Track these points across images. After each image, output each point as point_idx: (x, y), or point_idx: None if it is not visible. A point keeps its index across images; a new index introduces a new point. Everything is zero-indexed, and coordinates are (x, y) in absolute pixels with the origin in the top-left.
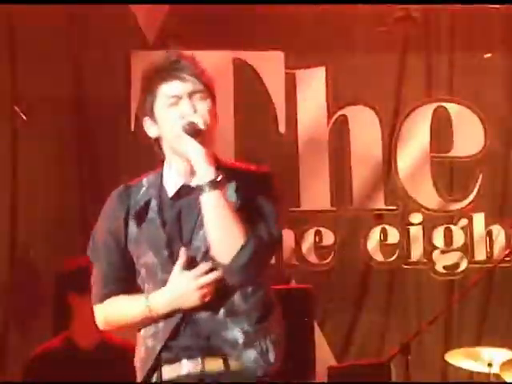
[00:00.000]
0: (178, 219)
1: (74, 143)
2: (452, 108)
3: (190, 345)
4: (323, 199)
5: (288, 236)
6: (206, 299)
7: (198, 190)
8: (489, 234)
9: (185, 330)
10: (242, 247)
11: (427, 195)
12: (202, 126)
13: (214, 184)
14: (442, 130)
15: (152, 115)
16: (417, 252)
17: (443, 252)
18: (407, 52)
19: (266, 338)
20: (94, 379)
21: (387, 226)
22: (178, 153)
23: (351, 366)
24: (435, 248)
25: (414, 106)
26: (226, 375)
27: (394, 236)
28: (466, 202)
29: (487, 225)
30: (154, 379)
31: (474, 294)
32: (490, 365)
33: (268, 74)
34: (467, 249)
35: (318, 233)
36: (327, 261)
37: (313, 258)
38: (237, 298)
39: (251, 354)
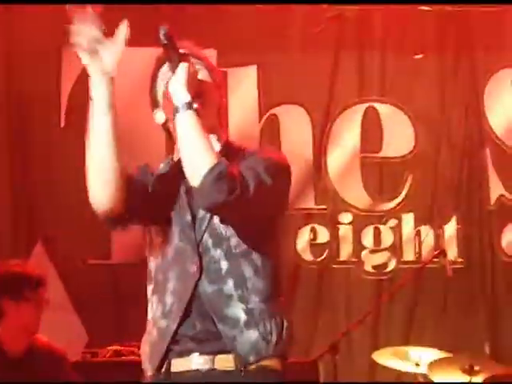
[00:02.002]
0: (185, 189)
1: (4, 140)
2: (382, 108)
3: (197, 332)
4: None
5: None
6: None
7: (175, 111)
8: (417, 234)
9: (195, 308)
10: (212, 168)
11: (357, 195)
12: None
13: (189, 105)
14: (372, 131)
15: (157, 103)
16: (346, 252)
17: (372, 252)
18: (339, 52)
19: (271, 319)
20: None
21: (317, 226)
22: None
23: None
24: (364, 248)
25: (344, 106)
26: (235, 376)
27: (323, 235)
28: (396, 202)
29: (416, 225)
30: (162, 369)
31: (402, 294)
32: (417, 364)
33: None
34: (396, 249)
35: None
36: None
37: None
38: (247, 269)
39: (251, 336)
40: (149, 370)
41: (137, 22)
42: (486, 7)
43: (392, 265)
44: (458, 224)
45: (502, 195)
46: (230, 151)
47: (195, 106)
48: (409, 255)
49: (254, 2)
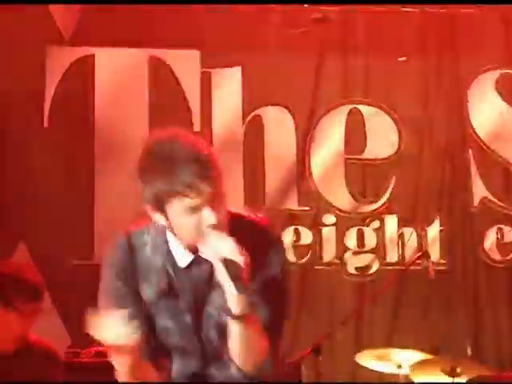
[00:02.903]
0: (191, 289)
1: None
2: (366, 110)
3: None
4: (236, 199)
5: None
6: None
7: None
8: (401, 236)
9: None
10: (265, 361)
11: (340, 196)
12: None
13: (237, 318)
14: (355, 132)
15: (161, 210)
16: (329, 253)
17: (355, 253)
18: (323, 53)
19: None
20: (12, 380)
21: (300, 227)
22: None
23: None
24: (347, 249)
25: (328, 107)
26: None
27: (306, 237)
28: (379, 204)
29: (399, 227)
30: None
31: (385, 296)
32: (399, 366)
33: (184, 73)
34: (379, 251)
35: None
36: None
37: None
38: None
39: None
40: None
41: (121, 23)
42: (469, 9)
43: (375, 266)
44: (440, 226)
45: (484, 197)
46: (237, 226)
47: (243, 316)
48: (392, 257)
49: (237, 2)
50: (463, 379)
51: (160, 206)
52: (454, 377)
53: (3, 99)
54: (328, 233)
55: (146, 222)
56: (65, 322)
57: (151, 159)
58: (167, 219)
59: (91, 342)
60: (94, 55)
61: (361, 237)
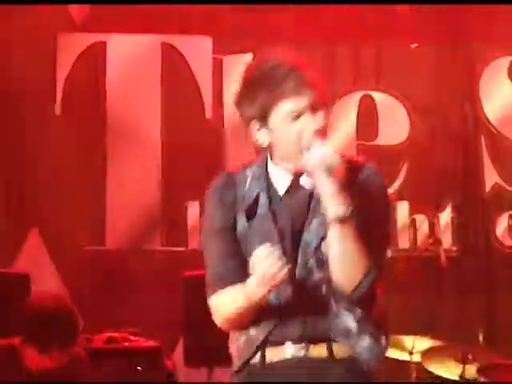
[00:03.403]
0: (289, 215)
1: None
2: (378, 97)
3: (296, 334)
4: None
5: None
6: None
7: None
8: (412, 222)
9: (291, 319)
10: (362, 279)
11: None
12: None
13: (343, 219)
14: (368, 119)
15: (265, 124)
16: None
17: None
18: (335, 40)
19: (377, 324)
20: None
21: None
22: (291, 160)
23: None
24: None
25: (340, 94)
26: (329, 363)
27: None
28: (391, 190)
29: (411, 213)
30: (255, 360)
31: (397, 283)
32: (411, 353)
33: (195, 59)
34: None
35: None
36: None
37: None
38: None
39: (365, 342)
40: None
41: (133, 10)
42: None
43: (387, 253)
44: (452, 212)
45: (496, 183)
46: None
47: (349, 214)
48: (404, 243)
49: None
50: (474, 366)
51: (263, 120)
52: (465, 364)
53: (15, 87)
54: None
55: (247, 164)
56: (78, 307)
57: (251, 79)
58: (271, 132)
59: (104, 326)
60: (105, 42)
61: None
